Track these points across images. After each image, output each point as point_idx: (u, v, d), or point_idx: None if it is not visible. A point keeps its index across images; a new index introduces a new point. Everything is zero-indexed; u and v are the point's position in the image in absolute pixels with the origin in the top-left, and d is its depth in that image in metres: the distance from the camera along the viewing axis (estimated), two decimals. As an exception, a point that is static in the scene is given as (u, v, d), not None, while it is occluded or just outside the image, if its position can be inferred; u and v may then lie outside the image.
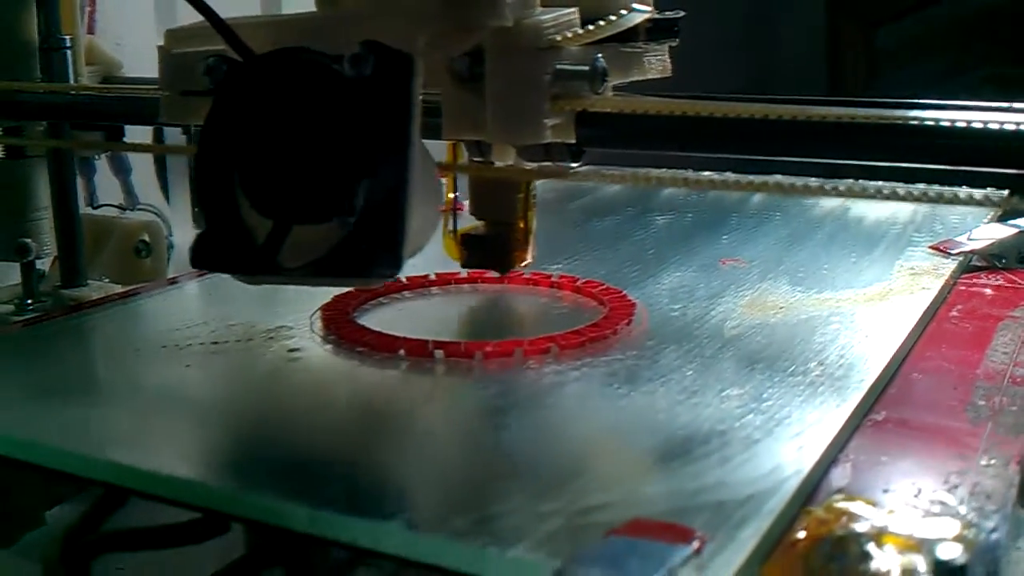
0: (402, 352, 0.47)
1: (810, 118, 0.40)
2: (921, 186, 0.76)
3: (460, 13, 0.40)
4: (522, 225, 0.55)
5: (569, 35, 0.42)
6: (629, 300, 0.54)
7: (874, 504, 0.34)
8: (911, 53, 2.10)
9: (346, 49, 0.38)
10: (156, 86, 0.46)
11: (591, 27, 0.43)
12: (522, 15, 0.41)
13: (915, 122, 0.39)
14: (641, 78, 0.49)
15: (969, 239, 0.65)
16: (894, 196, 0.41)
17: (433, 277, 0.59)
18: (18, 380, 0.46)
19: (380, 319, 0.53)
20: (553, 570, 0.28)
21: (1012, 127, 0.38)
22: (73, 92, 0.59)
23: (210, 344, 0.49)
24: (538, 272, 0.59)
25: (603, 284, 0.57)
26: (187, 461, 0.37)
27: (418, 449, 0.38)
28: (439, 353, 0.46)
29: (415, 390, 0.43)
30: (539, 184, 0.57)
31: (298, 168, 0.39)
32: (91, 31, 0.71)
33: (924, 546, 0.31)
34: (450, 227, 0.56)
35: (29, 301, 0.61)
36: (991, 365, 0.47)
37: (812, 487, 0.35)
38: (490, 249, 0.55)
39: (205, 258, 0.40)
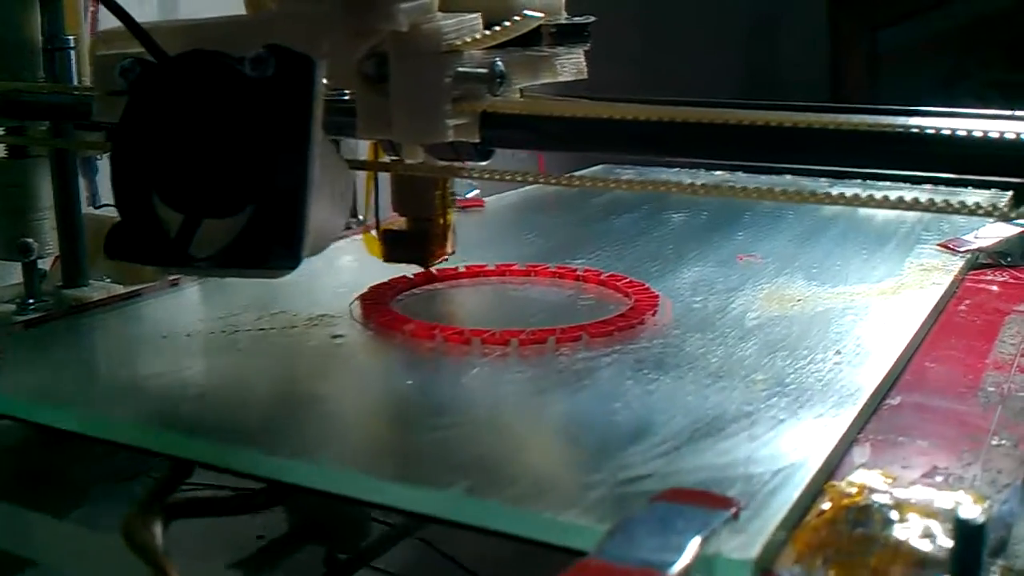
0: (440, 338, 0.49)
1: (706, 120, 0.40)
2: (927, 187, 0.79)
3: (356, 18, 0.42)
4: (441, 221, 0.57)
5: (468, 39, 0.44)
6: (653, 292, 0.56)
7: (894, 478, 0.36)
8: (913, 57, 2.12)
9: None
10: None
11: (487, 32, 0.44)
12: (421, 20, 0.43)
13: (916, 130, 0.39)
14: (552, 80, 0.50)
15: (976, 237, 0.68)
16: (899, 204, 0.40)
17: (463, 269, 0.61)
18: (76, 364, 0.48)
19: (415, 308, 0.55)
20: (605, 531, 0.31)
21: (1013, 135, 0.37)
22: (76, 92, 0.58)
23: (256, 331, 0.51)
24: (563, 266, 0.62)
25: (626, 277, 0.59)
26: (256, 435, 0.39)
27: (473, 425, 0.40)
28: (476, 340, 0.49)
29: (459, 374, 0.46)
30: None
31: (205, 164, 0.40)
32: (94, 31, 0.70)
33: (942, 514, 0.33)
34: (370, 224, 0.58)
35: (31, 301, 0.59)
36: (1000, 355, 0.50)
37: (835, 463, 0.38)
38: (411, 244, 0.57)
39: (119, 249, 0.42)
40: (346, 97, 0.47)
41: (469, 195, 0.84)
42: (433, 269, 0.60)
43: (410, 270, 0.59)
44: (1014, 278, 0.63)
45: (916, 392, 0.45)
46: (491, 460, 0.37)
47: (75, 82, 0.60)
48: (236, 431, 0.40)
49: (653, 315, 0.53)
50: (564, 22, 0.50)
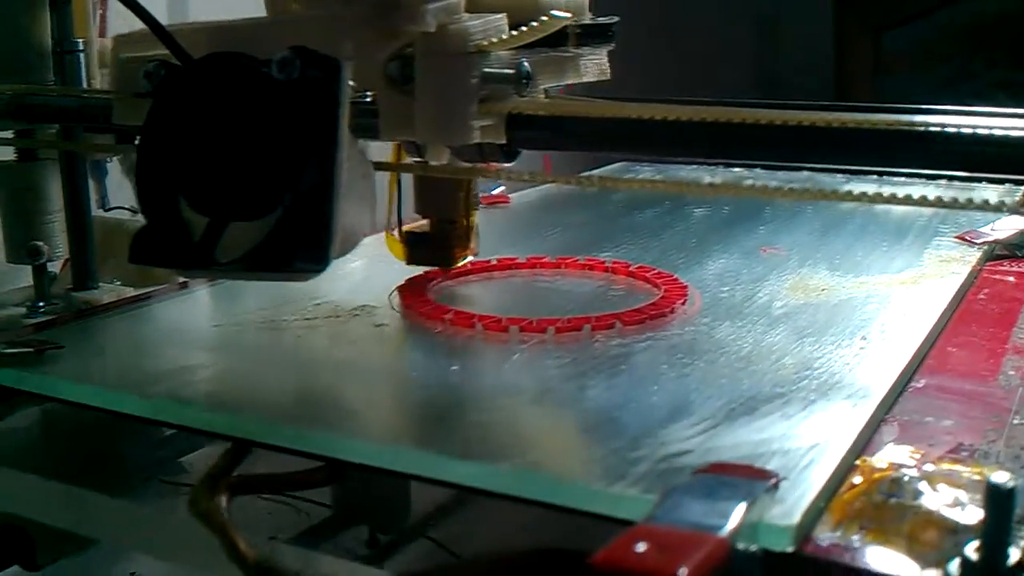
0: (480, 326, 0.51)
1: (731, 120, 0.41)
2: (942, 183, 0.81)
3: (383, 19, 0.42)
4: (465, 222, 0.58)
5: (494, 40, 0.44)
6: (681, 283, 0.58)
7: (922, 454, 0.38)
8: (919, 58, 2.13)
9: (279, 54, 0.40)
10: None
11: (514, 33, 0.45)
12: (448, 21, 0.43)
13: (932, 129, 0.39)
14: (576, 81, 0.50)
15: (992, 230, 0.69)
16: (920, 202, 0.42)
17: (495, 262, 0.63)
18: (137, 356, 0.51)
19: (452, 299, 0.57)
20: (651, 502, 0.33)
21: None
22: (86, 95, 0.58)
23: (303, 320, 0.53)
24: (592, 258, 0.64)
25: (654, 269, 0.61)
26: (314, 417, 0.41)
27: (519, 406, 0.43)
28: (514, 328, 0.51)
29: (501, 359, 0.48)
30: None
31: (232, 167, 0.40)
32: (103, 34, 0.70)
33: (970, 485, 0.35)
34: (392, 226, 0.58)
35: (41, 304, 0.59)
36: (1018, 341, 0.51)
37: (866, 440, 0.40)
38: (434, 246, 0.58)
39: (144, 253, 0.42)
40: (367, 98, 0.47)
41: (495, 191, 0.86)
42: (468, 262, 0.63)
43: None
44: (1030, 269, 0.65)
45: (940, 375, 0.47)
46: (539, 438, 0.39)
47: (84, 85, 0.60)
48: (293, 413, 0.42)
49: (683, 304, 0.55)
50: (589, 22, 0.51)
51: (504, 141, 0.46)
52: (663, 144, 0.44)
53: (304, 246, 0.39)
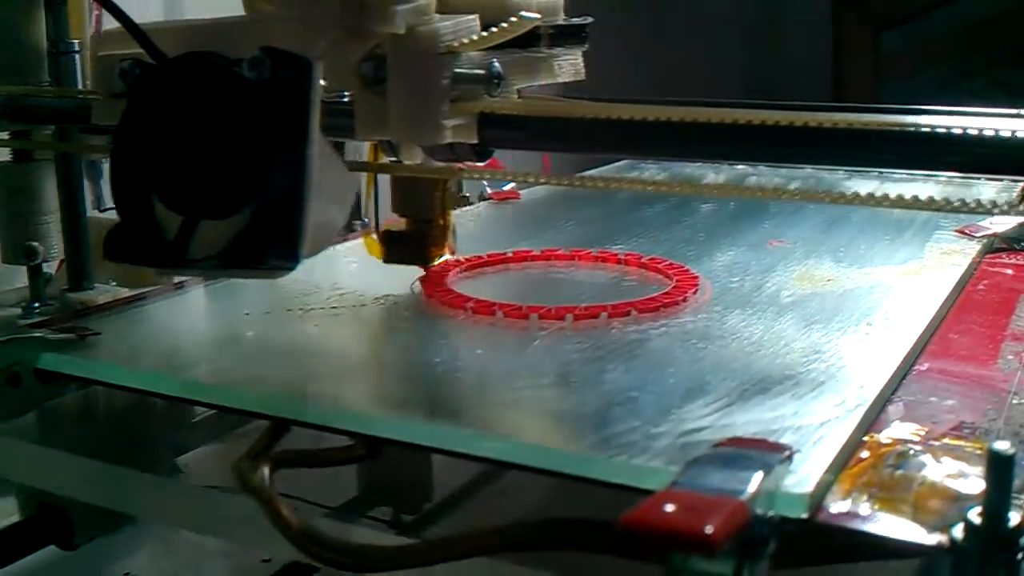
0: (500, 314, 0.53)
1: (698, 120, 0.41)
2: (941, 180, 0.83)
3: (353, 20, 0.42)
4: (441, 222, 0.59)
5: (465, 40, 0.44)
6: (692, 273, 0.60)
7: (926, 431, 0.41)
8: (918, 57, 2.16)
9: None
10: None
11: (485, 33, 0.45)
12: (418, 22, 0.44)
13: (919, 129, 0.39)
14: (550, 81, 0.50)
15: (991, 223, 0.72)
16: (919, 204, 0.41)
17: (510, 254, 0.66)
18: (170, 342, 0.53)
19: (470, 289, 0.59)
20: (673, 472, 0.35)
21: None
22: (81, 96, 0.58)
23: (329, 309, 0.55)
24: (605, 251, 0.66)
25: (666, 260, 0.63)
26: (351, 397, 0.44)
27: (544, 387, 0.45)
28: (533, 316, 0.53)
29: (522, 344, 0.50)
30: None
31: (204, 166, 0.40)
32: (99, 35, 0.68)
33: (972, 458, 0.37)
34: (370, 224, 0.59)
35: (36, 304, 0.60)
36: (1017, 328, 0.54)
37: (873, 419, 0.42)
38: (410, 245, 0.59)
39: (117, 251, 0.43)
40: (345, 98, 0.48)
41: (505, 188, 0.88)
42: (483, 254, 0.65)
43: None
44: (1028, 261, 0.67)
45: (942, 360, 0.49)
46: (564, 415, 0.41)
47: (80, 86, 0.61)
48: (329, 393, 0.44)
49: (694, 293, 0.57)
50: (562, 23, 0.51)
51: (476, 141, 0.46)
52: (636, 144, 0.45)
53: (276, 243, 0.40)
